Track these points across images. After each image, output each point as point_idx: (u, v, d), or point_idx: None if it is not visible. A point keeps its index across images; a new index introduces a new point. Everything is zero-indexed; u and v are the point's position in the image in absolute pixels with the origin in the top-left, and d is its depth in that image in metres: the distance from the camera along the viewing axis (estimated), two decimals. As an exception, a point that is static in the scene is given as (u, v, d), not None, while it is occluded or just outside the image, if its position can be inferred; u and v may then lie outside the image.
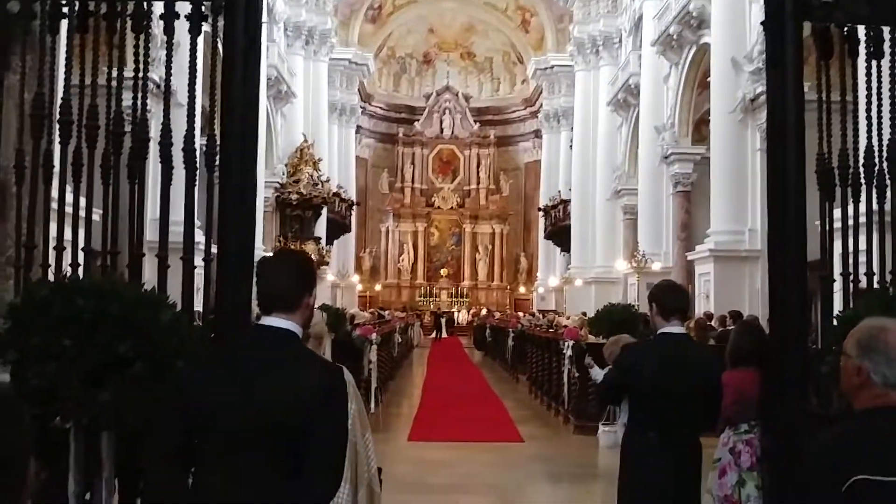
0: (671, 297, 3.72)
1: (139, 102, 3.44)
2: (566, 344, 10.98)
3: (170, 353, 2.75)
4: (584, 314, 16.92)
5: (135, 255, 3.35)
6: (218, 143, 3.57)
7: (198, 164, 3.63)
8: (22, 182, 3.48)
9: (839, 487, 1.85)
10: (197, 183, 3.80)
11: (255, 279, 2.51)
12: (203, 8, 3.52)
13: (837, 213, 3.90)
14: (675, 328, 3.63)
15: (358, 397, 3.87)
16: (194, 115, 3.50)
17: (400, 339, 19.21)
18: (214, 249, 3.85)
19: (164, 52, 3.52)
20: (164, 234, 3.56)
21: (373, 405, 10.99)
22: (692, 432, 3.60)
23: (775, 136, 4.00)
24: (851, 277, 3.87)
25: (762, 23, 3.95)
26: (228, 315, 3.84)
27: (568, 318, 18.26)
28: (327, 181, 27.75)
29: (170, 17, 3.51)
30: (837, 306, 3.90)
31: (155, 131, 3.55)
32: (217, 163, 3.62)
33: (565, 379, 11.10)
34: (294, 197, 25.54)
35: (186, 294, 3.38)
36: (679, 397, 3.50)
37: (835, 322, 3.60)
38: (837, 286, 4.01)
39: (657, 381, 3.51)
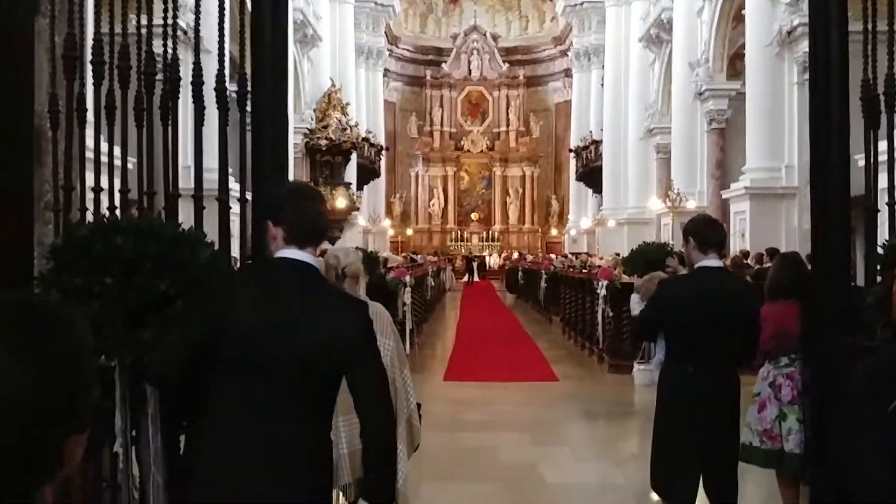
0: (708, 230, 3.67)
1: (169, 44, 3.41)
2: (600, 284, 10.95)
3: (209, 291, 2.76)
4: (618, 255, 16.82)
5: (170, 196, 3.35)
6: (249, 83, 3.56)
7: (229, 107, 3.62)
8: (57, 126, 3.49)
9: (884, 408, 1.82)
10: (228, 124, 3.79)
11: (281, 211, 2.39)
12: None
13: (883, 145, 3.79)
14: (712, 261, 3.59)
15: (395, 333, 3.90)
16: (224, 52, 3.48)
17: (433, 283, 19.30)
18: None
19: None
20: (199, 175, 3.57)
21: (408, 346, 11.10)
22: (730, 366, 3.57)
23: (818, 68, 3.88)
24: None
25: (805, -55, 3.80)
26: (265, 260, 3.86)
27: (601, 258, 18.18)
28: (356, 126, 27.59)
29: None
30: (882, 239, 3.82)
31: (185, 77, 3.54)
32: (249, 104, 3.61)
33: (599, 319, 11.10)
34: (323, 142, 25.45)
35: (223, 234, 3.39)
36: (717, 330, 3.47)
37: (881, 250, 3.53)
38: (881, 218, 3.92)
39: (695, 314, 3.47)
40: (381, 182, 36.05)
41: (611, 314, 10.63)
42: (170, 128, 3.49)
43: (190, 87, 3.49)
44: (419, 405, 3.96)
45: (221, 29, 3.49)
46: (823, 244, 3.90)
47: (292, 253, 2.35)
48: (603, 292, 10.79)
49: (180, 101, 3.61)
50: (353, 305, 2.42)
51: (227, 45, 3.59)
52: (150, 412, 2.90)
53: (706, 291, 3.50)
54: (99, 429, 2.98)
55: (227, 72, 3.56)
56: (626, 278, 10.64)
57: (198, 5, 3.56)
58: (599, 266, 12.92)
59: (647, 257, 9.95)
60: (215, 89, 3.46)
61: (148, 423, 2.91)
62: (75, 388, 0.74)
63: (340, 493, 3.69)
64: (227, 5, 3.55)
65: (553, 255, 28.18)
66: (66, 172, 3.08)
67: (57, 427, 0.74)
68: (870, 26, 3.77)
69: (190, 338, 2.34)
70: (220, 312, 2.31)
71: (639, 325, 3.87)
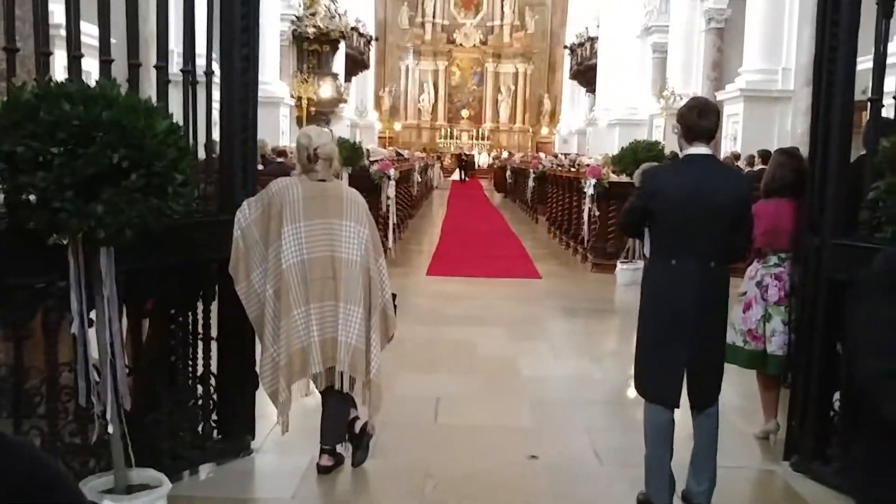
0: (694, 118, 3.39)
1: None
2: (588, 182, 10.76)
3: (167, 164, 2.56)
4: (608, 155, 16.57)
5: (131, 64, 3.11)
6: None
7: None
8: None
9: None
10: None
11: None
12: None
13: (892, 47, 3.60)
14: (700, 149, 3.36)
15: (371, 222, 3.73)
16: None
17: (419, 179, 19.03)
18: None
19: None
20: (164, 42, 3.33)
21: (391, 240, 10.97)
22: (717, 261, 3.36)
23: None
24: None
25: None
26: (232, 136, 3.66)
27: (591, 158, 17.94)
28: (345, 14, 26.67)
29: None
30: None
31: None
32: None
33: (585, 218, 10.97)
34: (311, 31, 24.61)
35: (187, 105, 3.17)
36: (701, 220, 3.26)
37: (885, 144, 3.35)
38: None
39: (681, 201, 3.25)
40: (369, 75, 35.17)
41: (597, 213, 10.50)
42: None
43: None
44: (395, 295, 3.83)
45: None
46: (825, 135, 3.75)
47: None
48: (590, 191, 10.60)
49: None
50: None
51: None
52: (107, 294, 2.75)
53: (690, 179, 3.27)
54: (56, 309, 2.84)
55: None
56: (614, 177, 10.46)
57: None
58: (588, 165, 12.70)
59: (638, 156, 9.76)
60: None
61: (104, 305, 2.76)
62: None
63: (311, 382, 3.58)
64: None
65: (542, 155, 27.85)
66: (8, 34, 2.82)
67: None
68: None
69: None
70: None
71: (625, 217, 3.63)
